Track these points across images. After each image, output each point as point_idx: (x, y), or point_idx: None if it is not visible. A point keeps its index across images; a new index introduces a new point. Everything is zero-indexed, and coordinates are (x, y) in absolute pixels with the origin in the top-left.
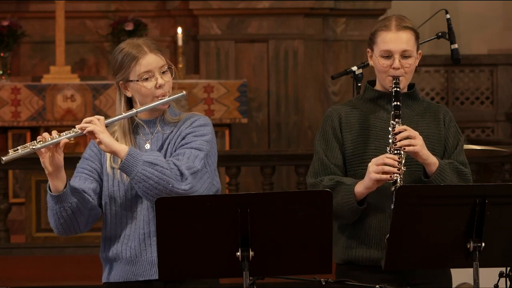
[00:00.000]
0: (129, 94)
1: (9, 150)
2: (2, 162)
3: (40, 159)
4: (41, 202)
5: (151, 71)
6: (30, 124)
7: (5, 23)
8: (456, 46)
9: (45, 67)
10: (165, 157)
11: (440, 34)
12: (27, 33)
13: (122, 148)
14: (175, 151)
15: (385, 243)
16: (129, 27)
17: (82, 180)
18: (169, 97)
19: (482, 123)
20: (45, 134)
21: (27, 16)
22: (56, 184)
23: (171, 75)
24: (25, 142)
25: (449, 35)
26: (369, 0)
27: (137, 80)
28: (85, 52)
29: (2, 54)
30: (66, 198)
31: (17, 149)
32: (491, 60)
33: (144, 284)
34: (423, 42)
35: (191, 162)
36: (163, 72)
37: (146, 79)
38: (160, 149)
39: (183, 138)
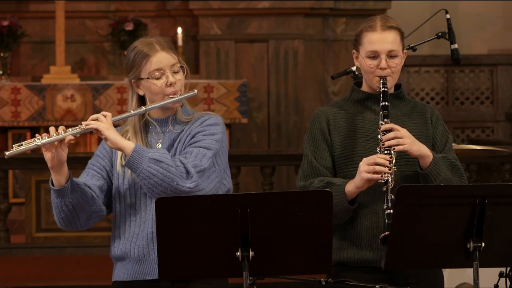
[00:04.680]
0: (141, 93)
1: (13, 145)
2: (6, 157)
3: (44, 152)
4: (41, 202)
5: (162, 69)
6: (30, 124)
7: (5, 23)
8: (456, 46)
9: (45, 67)
10: (174, 156)
11: (440, 34)
12: (27, 33)
13: (128, 144)
14: (184, 149)
15: (377, 243)
16: (129, 27)
17: (90, 177)
18: (180, 95)
19: (482, 123)
20: (51, 129)
21: (27, 16)
22: (58, 178)
23: (183, 73)
24: None
25: (449, 35)
26: (369, 0)
27: (148, 78)
28: (85, 52)
29: (2, 54)
30: (68, 193)
31: (21, 144)
32: (491, 60)
33: (151, 284)
34: (423, 42)
35: (198, 160)
36: (175, 71)
37: (158, 77)
38: (170, 148)
39: (193, 137)
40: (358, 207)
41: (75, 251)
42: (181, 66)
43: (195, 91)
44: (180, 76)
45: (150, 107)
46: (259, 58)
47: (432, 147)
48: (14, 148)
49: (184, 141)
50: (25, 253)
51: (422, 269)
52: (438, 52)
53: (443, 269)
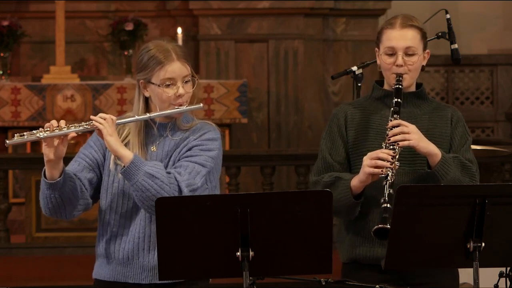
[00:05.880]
0: (147, 94)
1: (15, 134)
2: (6, 145)
3: (43, 145)
4: None
5: (174, 79)
6: (30, 124)
7: (5, 23)
8: (456, 46)
9: (45, 67)
10: (168, 163)
11: (440, 34)
12: (27, 33)
13: (127, 154)
14: (178, 160)
15: (371, 235)
16: (129, 27)
17: (81, 167)
18: (186, 107)
19: (482, 123)
20: (53, 122)
21: (27, 16)
22: (53, 172)
23: (193, 86)
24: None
25: (449, 35)
26: (369, 0)
27: (159, 85)
28: (85, 52)
29: (2, 54)
30: (59, 187)
31: (23, 135)
32: (491, 60)
33: (133, 287)
34: None
35: (192, 178)
36: (186, 82)
37: (168, 85)
38: (165, 155)
39: (189, 149)
40: (370, 204)
41: (75, 251)
42: (192, 77)
43: (201, 104)
44: (189, 88)
45: (155, 114)
46: (259, 58)
47: (450, 147)
48: (15, 138)
49: (180, 151)
50: (25, 253)
51: (437, 269)
52: (438, 52)
53: None
